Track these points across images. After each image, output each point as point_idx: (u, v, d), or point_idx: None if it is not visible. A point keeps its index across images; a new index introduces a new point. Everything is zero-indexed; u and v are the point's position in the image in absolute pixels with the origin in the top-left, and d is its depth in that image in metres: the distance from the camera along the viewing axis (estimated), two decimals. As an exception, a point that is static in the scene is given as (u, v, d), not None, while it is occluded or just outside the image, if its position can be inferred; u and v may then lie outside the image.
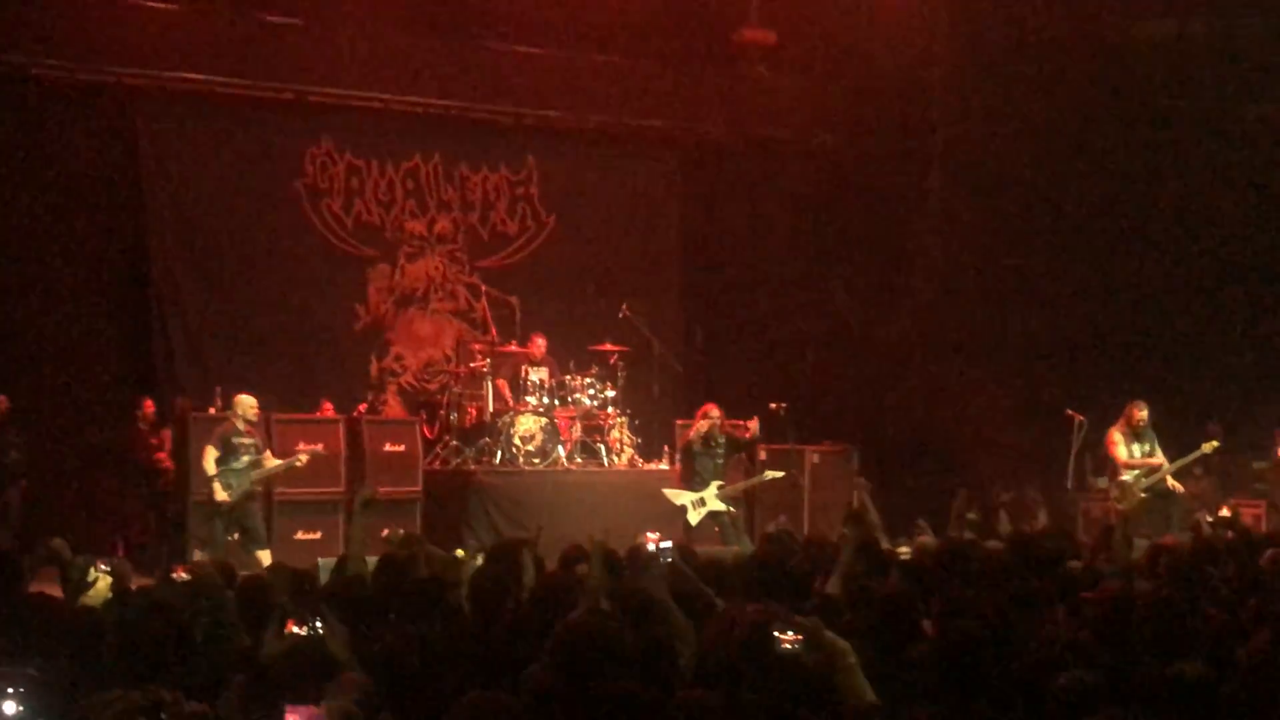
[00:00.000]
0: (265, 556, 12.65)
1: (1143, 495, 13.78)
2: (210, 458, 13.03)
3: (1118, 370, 17.04)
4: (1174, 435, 14.66)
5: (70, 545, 8.06)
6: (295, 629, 5.48)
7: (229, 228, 17.26)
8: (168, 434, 15.61)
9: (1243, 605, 6.93)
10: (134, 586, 7.72)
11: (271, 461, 13.28)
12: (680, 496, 14.31)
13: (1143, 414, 14.00)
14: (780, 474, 15.19)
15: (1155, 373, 16.74)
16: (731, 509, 14.39)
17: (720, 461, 14.49)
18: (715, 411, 14.58)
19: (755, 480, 15.30)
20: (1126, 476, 13.91)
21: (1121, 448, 13.97)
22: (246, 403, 13.22)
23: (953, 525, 14.33)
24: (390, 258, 18.44)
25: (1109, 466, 14.45)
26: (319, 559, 11.73)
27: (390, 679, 5.36)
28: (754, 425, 15.30)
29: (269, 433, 14.13)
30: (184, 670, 5.94)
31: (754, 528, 15.45)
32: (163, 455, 15.59)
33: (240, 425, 13.12)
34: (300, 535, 14.31)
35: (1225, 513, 11.17)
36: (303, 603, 6.19)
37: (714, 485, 14.31)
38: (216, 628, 6.40)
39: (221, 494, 12.93)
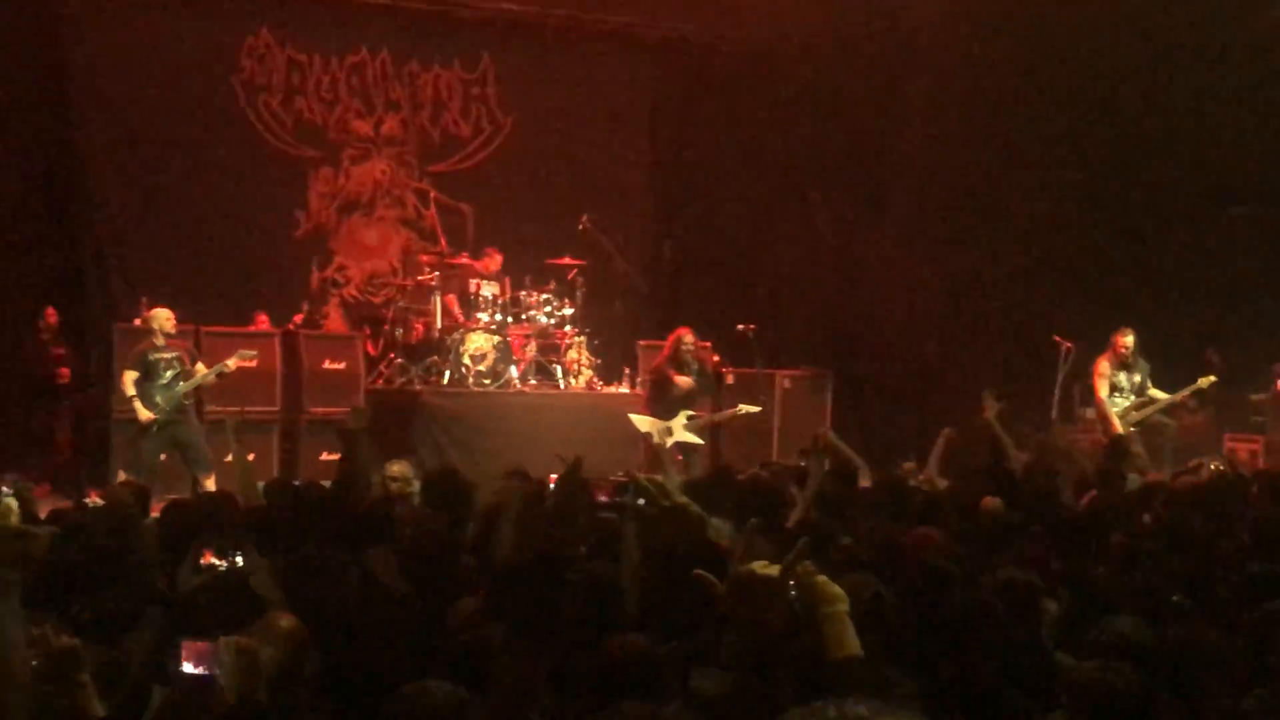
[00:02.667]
0: (210, 482, 12.54)
1: (1132, 429, 13.77)
2: (129, 380, 12.89)
3: (1111, 295, 16.99)
4: (1170, 363, 14.65)
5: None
6: (214, 561, 5.40)
7: (160, 125, 17.01)
8: (70, 346, 15.42)
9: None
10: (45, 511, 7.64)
11: (201, 371, 13.14)
12: (646, 423, 14.30)
13: (1128, 340, 13.92)
14: (756, 408, 15.18)
15: (1151, 298, 16.69)
16: (701, 440, 14.45)
17: (691, 391, 14.50)
18: (689, 337, 14.56)
19: (729, 414, 15.30)
20: (1115, 408, 13.88)
21: (1104, 382, 13.92)
22: (161, 315, 13.09)
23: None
24: (333, 160, 18.29)
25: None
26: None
27: (320, 620, 5.27)
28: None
29: (198, 346, 13.98)
30: (96, 602, 5.86)
31: (719, 460, 15.45)
32: (66, 370, 15.30)
33: (159, 340, 12.97)
34: (230, 457, 14.15)
35: (1216, 466, 11.17)
36: (224, 532, 6.11)
37: (683, 415, 14.32)
38: (130, 556, 6.31)
39: (145, 413, 12.78)
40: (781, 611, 4.00)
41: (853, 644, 4.12)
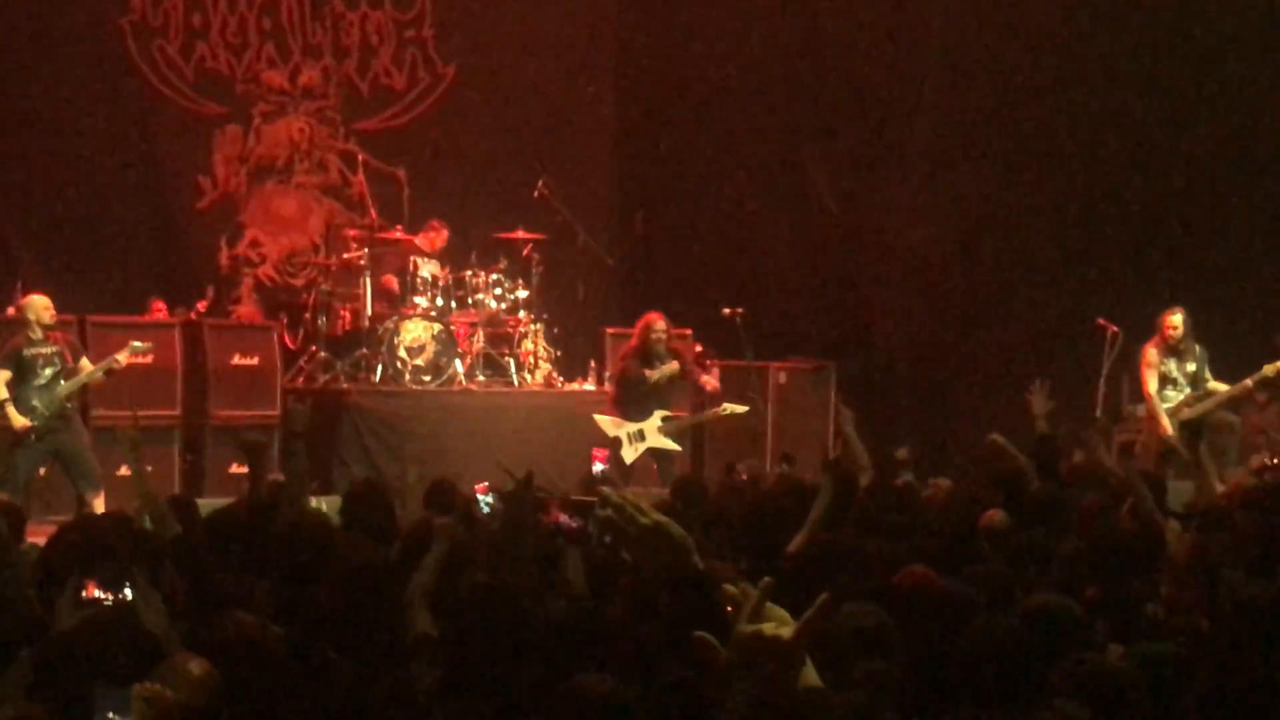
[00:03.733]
0: (99, 502, 12.51)
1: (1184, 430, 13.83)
2: (1, 381, 12.85)
3: (1163, 272, 17.05)
4: (1234, 351, 14.71)
5: None
6: (98, 594, 5.41)
7: (35, 78, 17.02)
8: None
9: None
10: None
11: (87, 368, 13.12)
12: (615, 426, 14.34)
13: (1176, 321, 13.97)
14: (742, 409, 15.26)
15: (1210, 275, 16.75)
16: (678, 447, 14.50)
17: (664, 388, 14.54)
18: (660, 324, 14.58)
19: (711, 414, 15.35)
20: (1166, 404, 13.95)
21: (1153, 372, 13.98)
22: (38, 304, 13.07)
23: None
24: (243, 117, 18.33)
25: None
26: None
27: (232, 664, 5.29)
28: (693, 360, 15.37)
29: (83, 339, 13.96)
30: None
31: (703, 468, 15.53)
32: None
33: (35, 333, 12.95)
34: (124, 471, 14.14)
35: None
36: (113, 561, 6.11)
37: (657, 415, 14.37)
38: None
39: (19, 419, 12.74)
40: (794, 683, 4.02)
41: (809, 674, 4.16)
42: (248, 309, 17.84)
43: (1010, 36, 17.68)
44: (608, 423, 14.42)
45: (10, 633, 6.05)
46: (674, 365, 14.51)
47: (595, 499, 7.54)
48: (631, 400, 14.46)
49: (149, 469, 14.06)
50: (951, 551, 7.28)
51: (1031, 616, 5.70)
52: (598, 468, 8.62)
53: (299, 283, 18.15)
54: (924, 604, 5.84)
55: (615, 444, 14.20)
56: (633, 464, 14.25)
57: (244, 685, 5.13)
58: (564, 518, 7.16)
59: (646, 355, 14.53)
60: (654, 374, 14.41)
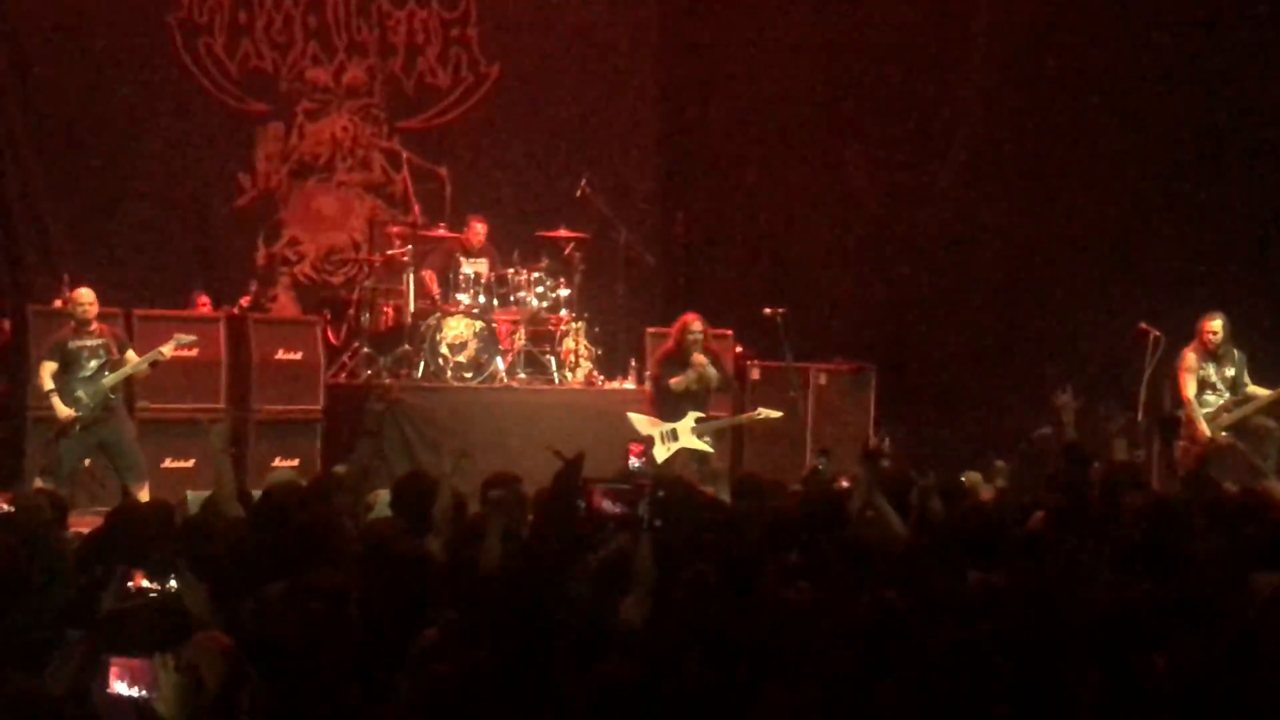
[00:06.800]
0: (144, 493, 12.58)
1: (1224, 434, 13.80)
2: (47, 373, 12.93)
3: (1206, 276, 16.99)
4: (1275, 356, 14.67)
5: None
6: (145, 583, 5.49)
7: (81, 74, 17.14)
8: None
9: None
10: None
11: (132, 360, 13.20)
12: (648, 425, 14.33)
13: (1216, 326, 13.91)
14: (778, 414, 15.20)
15: (1251, 280, 16.68)
16: (710, 448, 14.46)
17: (699, 388, 14.54)
18: (697, 325, 14.57)
19: (744, 417, 15.36)
20: (1205, 408, 13.91)
21: (1191, 377, 13.94)
22: (84, 297, 13.13)
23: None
24: (286, 115, 18.41)
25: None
26: (188, 492, 11.80)
27: (261, 645, 5.36)
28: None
29: (128, 332, 14.05)
30: (5, 623, 5.96)
31: (740, 468, 15.51)
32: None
33: (82, 326, 13.04)
34: (169, 463, 14.33)
35: None
36: (156, 551, 6.19)
37: (691, 416, 14.34)
38: (44, 572, 6.41)
39: (64, 410, 12.79)
40: None
41: None
42: (284, 306, 17.93)
43: (1054, 37, 17.62)
44: (642, 421, 14.40)
45: (55, 615, 6.15)
46: (693, 375, 14.46)
47: (638, 486, 7.63)
48: (665, 401, 14.45)
49: (190, 463, 14.42)
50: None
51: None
52: (634, 463, 8.70)
53: (338, 280, 18.28)
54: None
55: (648, 442, 14.19)
56: (665, 463, 14.24)
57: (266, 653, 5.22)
58: (606, 503, 7.23)
59: (683, 357, 14.51)
60: (676, 382, 14.36)
